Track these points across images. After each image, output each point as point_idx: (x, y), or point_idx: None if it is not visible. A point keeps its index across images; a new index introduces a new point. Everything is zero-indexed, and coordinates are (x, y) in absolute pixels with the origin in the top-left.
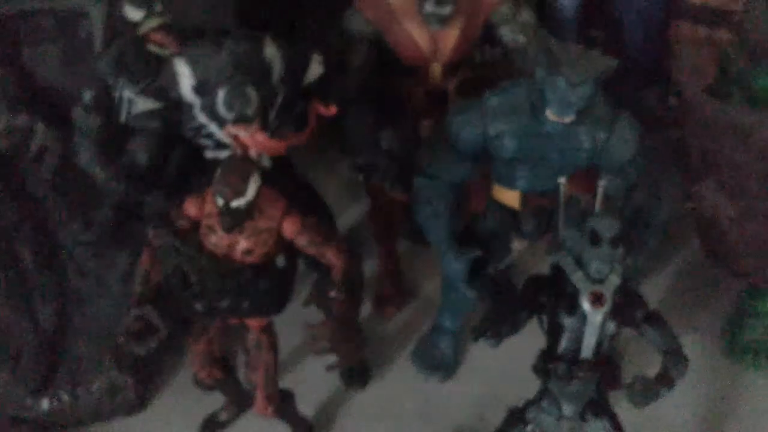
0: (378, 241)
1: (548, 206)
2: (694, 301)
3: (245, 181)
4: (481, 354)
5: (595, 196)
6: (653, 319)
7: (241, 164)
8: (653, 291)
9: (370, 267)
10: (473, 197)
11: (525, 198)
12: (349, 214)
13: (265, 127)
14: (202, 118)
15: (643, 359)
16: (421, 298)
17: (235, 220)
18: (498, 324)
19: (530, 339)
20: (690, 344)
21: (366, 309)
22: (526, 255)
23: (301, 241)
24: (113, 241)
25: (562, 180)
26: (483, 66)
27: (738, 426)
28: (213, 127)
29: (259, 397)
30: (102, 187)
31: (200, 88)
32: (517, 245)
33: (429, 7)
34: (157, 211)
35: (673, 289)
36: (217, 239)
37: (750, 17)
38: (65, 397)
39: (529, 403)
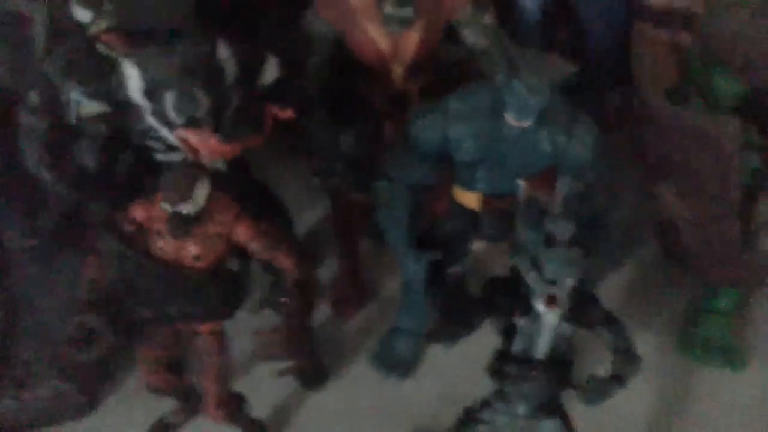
0: (339, 242)
1: (508, 208)
2: (650, 299)
3: (193, 186)
4: (439, 354)
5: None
6: (607, 319)
7: (189, 169)
8: (609, 289)
9: (330, 267)
10: (438, 201)
11: (485, 200)
12: (311, 214)
13: (217, 130)
14: (151, 121)
15: (593, 356)
16: (381, 298)
17: (183, 226)
18: (453, 328)
19: (489, 339)
20: (645, 341)
21: (326, 309)
22: (486, 257)
23: (254, 247)
24: (58, 246)
25: (520, 182)
26: (446, 67)
27: (691, 421)
28: (163, 131)
29: (210, 401)
30: (49, 191)
31: (149, 92)
32: (477, 247)
33: (389, 9)
34: (104, 216)
35: (629, 287)
36: (165, 245)
37: (710, 21)
38: (11, 402)
39: (483, 404)
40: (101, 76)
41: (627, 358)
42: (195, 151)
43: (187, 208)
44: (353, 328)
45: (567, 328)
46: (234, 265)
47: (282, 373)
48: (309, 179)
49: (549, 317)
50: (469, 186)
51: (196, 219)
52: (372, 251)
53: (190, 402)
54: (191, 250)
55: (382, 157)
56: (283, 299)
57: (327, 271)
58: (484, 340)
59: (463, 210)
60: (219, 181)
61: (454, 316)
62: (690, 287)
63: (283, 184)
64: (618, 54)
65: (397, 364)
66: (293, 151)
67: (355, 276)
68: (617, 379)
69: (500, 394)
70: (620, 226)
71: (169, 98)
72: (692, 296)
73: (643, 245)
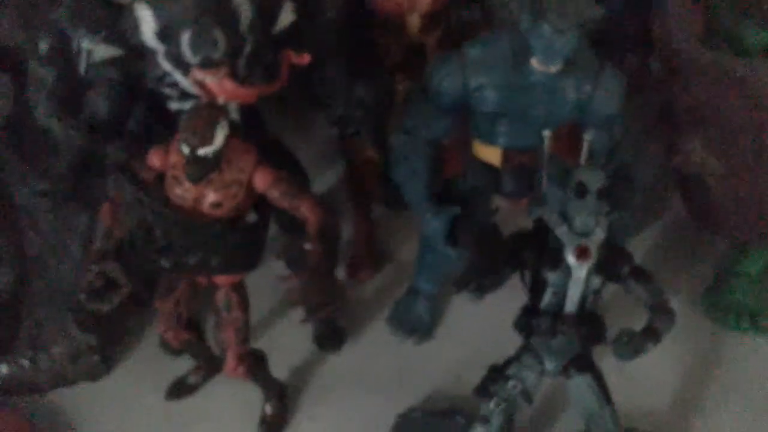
0: (353, 204)
1: (530, 164)
2: (677, 262)
3: (212, 127)
4: (457, 316)
5: (578, 157)
6: (639, 273)
7: (209, 110)
8: (636, 252)
9: (345, 231)
10: (452, 158)
11: (506, 155)
12: (325, 179)
13: (233, 75)
14: (165, 65)
15: (628, 315)
16: (396, 262)
17: (201, 170)
18: (482, 276)
19: (506, 301)
20: (674, 305)
21: (341, 273)
22: (507, 215)
23: (274, 194)
24: (72, 194)
25: (546, 132)
26: (461, 26)
27: (719, 387)
28: (177, 76)
29: (229, 358)
30: (61, 140)
31: (163, 34)
32: (499, 204)
33: None
34: (118, 163)
35: (655, 249)
36: (183, 191)
37: None
38: (25, 362)
39: (511, 360)
40: (112, 23)
41: (660, 311)
42: (211, 95)
43: (206, 150)
44: (370, 291)
45: (597, 281)
46: (253, 216)
47: (305, 320)
48: (323, 142)
49: (579, 270)
50: (489, 140)
51: (215, 163)
52: (386, 218)
53: (209, 361)
54: (210, 197)
55: (396, 111)
56: (306, 246)
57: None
58: (506, 305)
59: (483, 166)
60: (235, 131)
61: (484, 267)
62: (718, 249)
63: (295, 148)
64: (637, 15)
65: (415, 327)
66: (307, 113)
67: (370, 239)
68: (651, 334)
69: (528, 349)
70: (646, 182)
71: (186, 37)
72: (720, 259)
73: (669, 206)
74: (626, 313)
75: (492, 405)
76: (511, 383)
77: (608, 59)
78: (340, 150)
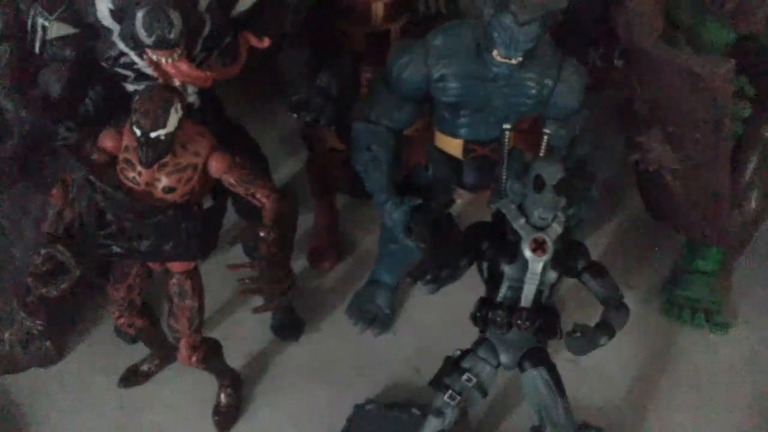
0: (316, 194)
1: (491, 156)
2: (634, 258)
3: (165, 110)
4: (417, 308)
5: (538, 151)
6: (594, 268)
7: (162, 92)
8: (593, 247)
9: (307, 221)
10: (417, 148)
11: (468, 147)
12: (288, 168)
13: (190, 57)
14: (120, 45)
15: (584, 311)
16: (358, 252)
17: (154, 154)
18: (437, 267)
19: (467, 294)
20: (629, 301)
21: (302, 263)
22: (468, 207)
23: (229, 180)
24: (22, 175)
25: (506, 126)
26: (426, 18)
27: (673, 382)
28: (133, 56)
29: (183, 346)
30: (11, 119)
31: (118, 12)
32: (460, 198)
33: None
34: (70, 144)
35: (612, 245)
36: (135, 175)
37: None
38: None
39: (466, 352)
40: (68, 1)
41: (614, 306)
42: (167, 77)
43: (158, 134)
44: (330, 281)
45: (553, 275)
46: (208, 201)
47: (257, 310)
48: (287, 131)
49: (535, 264)
50: (451, 132)
51: (168, 147)
52: (349, 207)
53: (164, 349)
54: (163, 181)
55: (359, 99)
56: (260, 234)
57: (303, 225)
58: (467, 297)
59: (445, 157)
60: (193, 115)
61: (440, 259)
62: (674, 246)
63: (261, 136)
64: (599, 11)
65: (375, 318)
66: (270, 102)
67: (332, 229)
68: (605, 329)
69: (484, 342)
70: (605, 176)
71: (140, 17)
72: (676, 256)
73: (626, 202)
74: (583, 307)
75: (446, 398)
76: (465, 376)
77: (571, 54)
78: (303, 138)
